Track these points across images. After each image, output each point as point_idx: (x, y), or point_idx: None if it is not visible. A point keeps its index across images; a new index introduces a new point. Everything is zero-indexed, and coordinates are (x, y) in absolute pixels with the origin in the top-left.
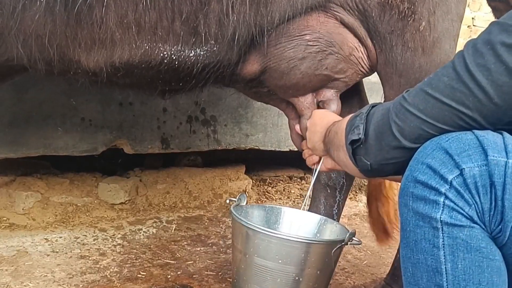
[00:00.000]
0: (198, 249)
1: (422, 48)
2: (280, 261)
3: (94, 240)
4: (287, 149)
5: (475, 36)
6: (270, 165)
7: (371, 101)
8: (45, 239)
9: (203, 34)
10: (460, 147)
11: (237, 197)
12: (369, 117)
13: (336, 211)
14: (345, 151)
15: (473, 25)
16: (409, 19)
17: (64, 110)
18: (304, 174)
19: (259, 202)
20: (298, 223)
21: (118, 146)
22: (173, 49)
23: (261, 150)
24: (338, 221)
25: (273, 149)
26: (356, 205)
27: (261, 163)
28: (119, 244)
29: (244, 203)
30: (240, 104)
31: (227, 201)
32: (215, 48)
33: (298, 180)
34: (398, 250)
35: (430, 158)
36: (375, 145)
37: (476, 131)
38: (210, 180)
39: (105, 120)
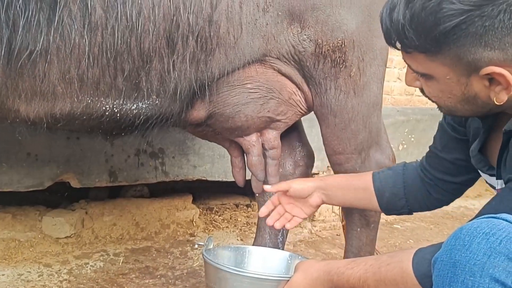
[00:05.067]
0: (147, 281)
1: (354, 90)
2: None
3: (39, 276)
4: (234, 179)
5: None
6: (217, 193)
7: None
8: None
9: (145, 90)
10: None
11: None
12: None
13: (281, 239)
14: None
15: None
16: (341, 66)
17: (7, 146)
18: (250, 202)
19: (207, 231)
20: (267, 261)
21: (65, 180)
22: (115, 103)
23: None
24: (283, 248)
25: (220, 179)
26: (301, 231)
27: (208, 191)
28: (66, 280)
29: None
30: (187, 136)
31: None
32: (157, 102)
33: (245, 207)
34: None
35: (491, 268)
36: None
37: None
38: (157, 211)
39: (52, 154)
